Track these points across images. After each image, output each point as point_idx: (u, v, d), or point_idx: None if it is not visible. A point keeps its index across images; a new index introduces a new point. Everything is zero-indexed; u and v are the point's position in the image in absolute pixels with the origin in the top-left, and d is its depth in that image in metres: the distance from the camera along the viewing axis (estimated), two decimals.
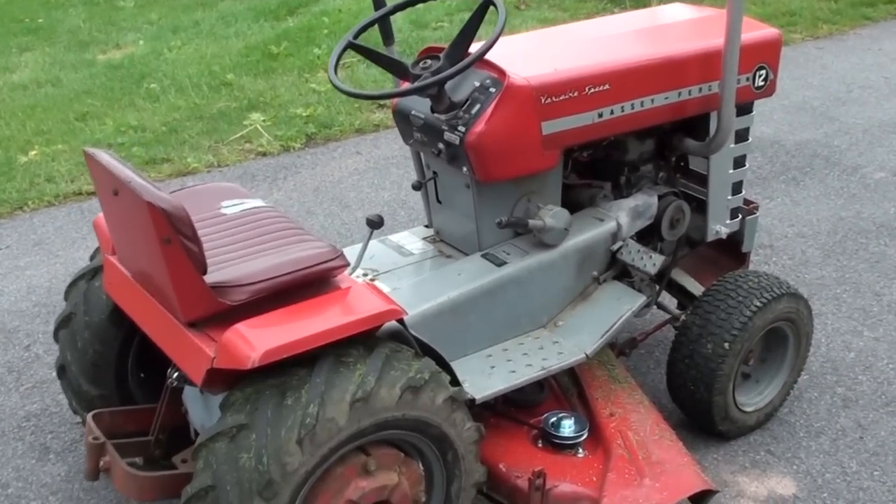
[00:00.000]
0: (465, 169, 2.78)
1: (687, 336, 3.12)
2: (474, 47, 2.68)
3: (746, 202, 3.53)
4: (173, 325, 2.30)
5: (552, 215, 2.84)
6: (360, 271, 2.89)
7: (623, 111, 2.90)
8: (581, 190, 3.19)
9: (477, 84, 2.74)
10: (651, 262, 2.98)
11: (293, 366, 2.14)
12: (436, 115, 2.78)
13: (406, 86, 2.76)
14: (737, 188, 3.42)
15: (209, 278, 2.22)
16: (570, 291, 3.04)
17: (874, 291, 4.12)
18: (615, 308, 2.99)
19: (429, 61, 2.69)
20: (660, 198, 3.17)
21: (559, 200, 3.05)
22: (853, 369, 3.63)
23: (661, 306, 3.32)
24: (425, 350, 2.40)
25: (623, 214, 3.08)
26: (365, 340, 2.23)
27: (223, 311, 2.22)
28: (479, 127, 2.65)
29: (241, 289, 2.24)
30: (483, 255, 2.89)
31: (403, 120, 2.94)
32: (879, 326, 3.88)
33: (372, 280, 2.85)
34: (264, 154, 5.79)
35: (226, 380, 2.17)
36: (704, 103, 3.10)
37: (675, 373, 3.17)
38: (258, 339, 2.09)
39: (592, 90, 2.81)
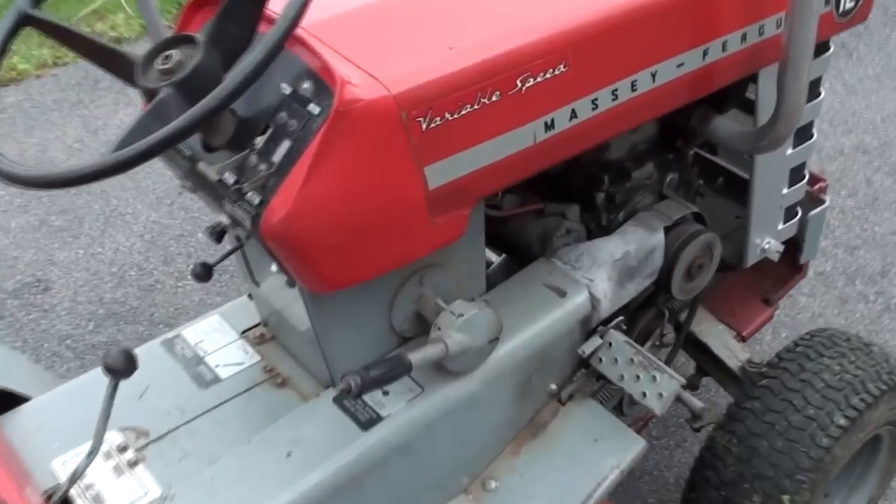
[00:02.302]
0: (273, 267, 1.44)
1: (716, 469, 1.86)
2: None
3: (811, 182, 2.20)
4: None
5: (463, 326, 1.51)
6: (112, 442, 1.58)
7: (595, 108, 1.53)
8: (525, 222, 1.85)
9: (286, 90, 1.36)
10: (658, 385, 1.68)
11: None
12: (211, 152, 1.41)
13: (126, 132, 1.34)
14: (797, 174, 2.08)
15: None
16: (507, 426, 1.76)
17: None
18: (589, 460, 1.72)
19: (175, 53, 1.29)
20: (669, 229, 1.83)
21: (480, 269, 1.72)
22: None
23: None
24: None
25: (601, 274, 1.75)
26: None
27: None
28: (288, 197, 1.29)
29: None
30: (338, 402, 1.59)
31: None
32: None
33: (130, 464, 1.55)
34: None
35: None
36: (747, 61, 1.72)
37: None
38: None
39: (532, 81, 1.42)
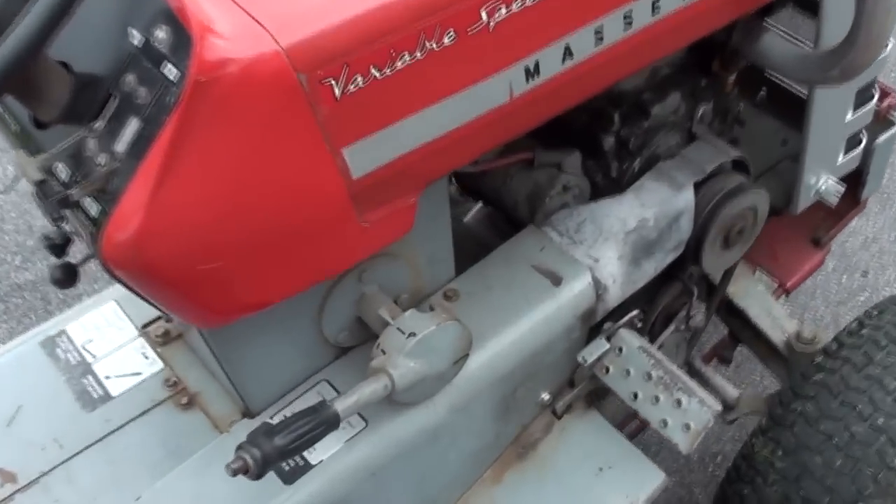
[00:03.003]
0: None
1: (755, 486, 1.49)
2: None
3: (879, 98, 1.74)
4: None
5: (416, 350, 1.10)
6: None
7: (600, 41, 1.08)
8: (508, 176, 1.42)
9: (135, 39, 0.91)
10: (684, 412, 1.28)
11: None
12: (42, 129, 0.98)
13: None
14: (866, 93, 1.63)
15: None
16: (485, 451, 1.38)
17: None
18: (592, 497, 1.34)
19: None
20: (700, 184, 1.40)
21: (446, 252, 1.30)
22: None
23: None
24: None
25: (609, 250, 1.33)
26: None
27: None
28: (137, 206, 0.87)
29: None
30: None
31: None
32: None
33: None
34: None
35: None
36: None
37: None
38: None
39: (504, 10, 0.98)
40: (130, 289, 0.94)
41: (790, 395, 1.48)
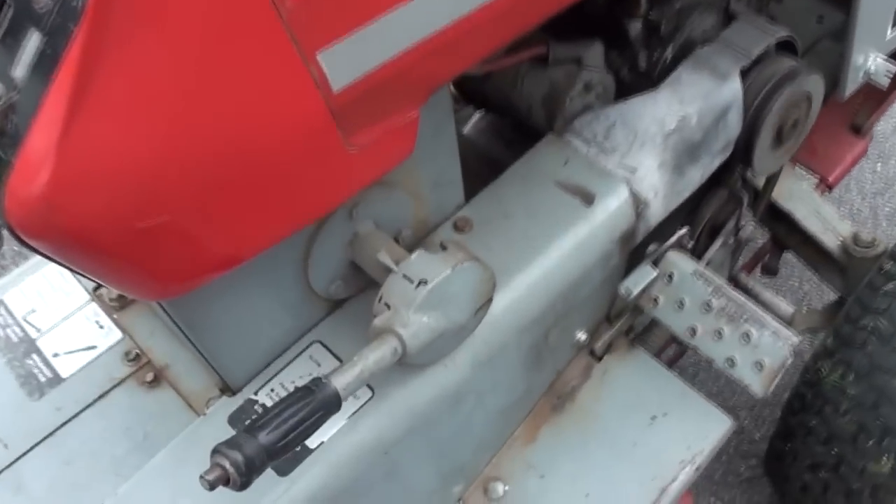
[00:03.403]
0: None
1: (824, 416, 1.29)
2: None
3: None
4: None
5: (428, 301, 0.88)
6: None
7: None
8: (519, 77, 1.19)
9: None
10: (754, 348, 1.07)
11: None
12: None
13: None
14: None
15: None
16: (515, 408, 1.17)
17: None
18: (647, 450, 1.14)
19: None
20: (746, 71, 1.17)
21: (454, 173, 1.08)
22: None
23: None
24: None
25: (647, 157, 1.11)
26: None
27: None
28: (46, 151, 0.64)
29: None
30: (233, 422, 0.99)
31: None
32: None
33: None
34: None
35: None
36: None
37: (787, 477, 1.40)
38: None
39: None
40: (53, 260, 0.72)
41: (858, 309, 1.28)
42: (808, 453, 1.32)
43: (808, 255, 1.54)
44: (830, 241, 1.49)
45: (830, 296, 2.05)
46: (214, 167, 0.69)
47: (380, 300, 0.90)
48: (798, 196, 1.54)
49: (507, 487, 1.15)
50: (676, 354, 1.51)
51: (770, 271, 1.64)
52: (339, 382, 0.82)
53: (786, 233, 1.55)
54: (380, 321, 0.89)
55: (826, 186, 1.70)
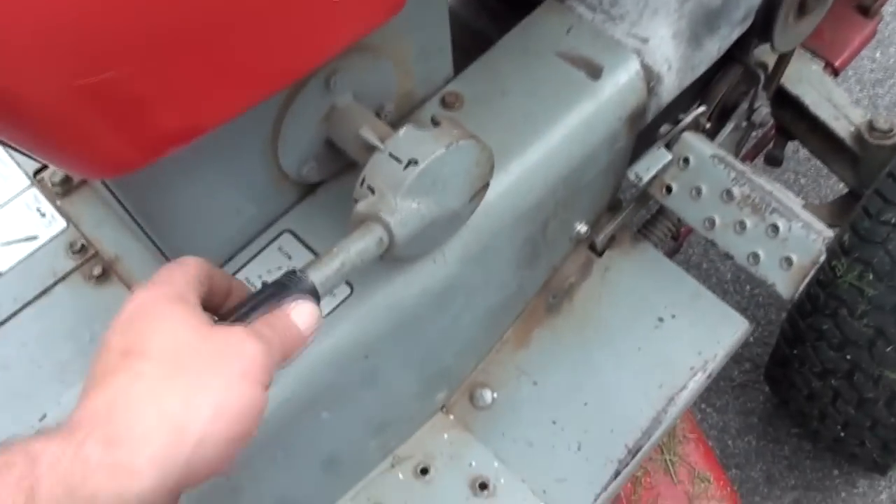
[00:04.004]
0: None
1: (838, 320, 1.20)
2: None
3: None
4: None
5: (417, 184, 0.77)
6: None
7: None
8: None
9: None
10: (782, 242, 0.97)
11: None
12: None
13: None
14: None
15: None
16: (505, 308, 1.07)
17: None
18: (654, 357, 1.04)
19: None
20: None
21: (443, 38, 0.95)
22: None
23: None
24: None
25: (660, 26, 0.99)
26: None
27: None
28: None
29: None
30: None
31: None
32: None
33: None
34: None
35: None
36: None
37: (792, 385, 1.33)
38: None
39: None
40: None
41: (879, 201, 1.18)
42: (818, 359, 1.23)
43: (817, 145, 1.44)
44: (842, 129, 1.38)
45: (827, 191, 1.97)
46: (166, 9, 0.56)
47: (362, 183, 0.78)
48: (807, 80, 1.42)
49: (495, 395, 1.06)
50: (671, 250, 1.41)
51: (774, 161, 1.53)
52: (317, 277, 0.70)
53: (792, 120, 1.44)
54: (363, 206, 0.77)
55: (833, 71, 1.59)
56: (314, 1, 0.63)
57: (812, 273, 0.97)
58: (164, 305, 0.59)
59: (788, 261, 0.98)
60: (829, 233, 0.98)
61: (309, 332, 0.65)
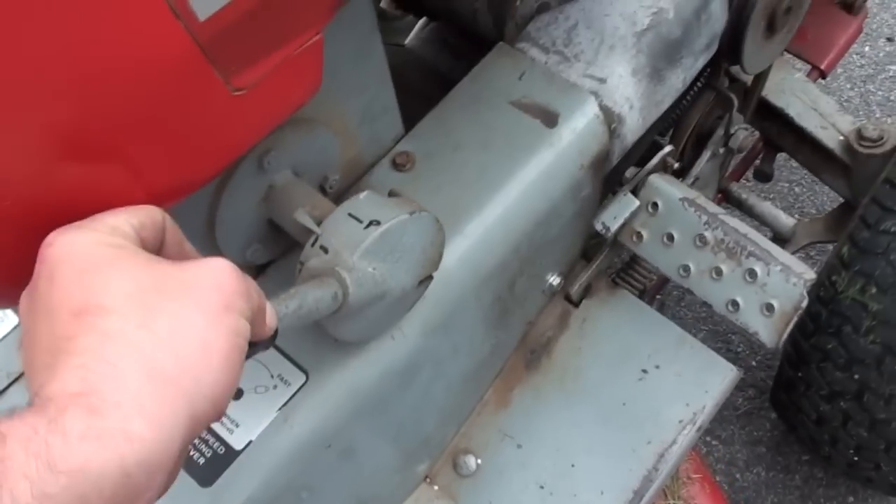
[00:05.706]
0: None
1: (842, 338, 1.17)
2: None
3: None
4: None
5: (373, 249, 0.73)
6: None
7: None
8: None
9: None
10: (760, 288, 0.93)
11: None
12: None
13: None
14: None
15: None
16: (481, 371, 1.03)
17: None
18: (640, 411, 1.01)
19: None
20: None
21: (388, 98, 0.91)
22: None
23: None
24: None
25: (618, 63, 0.95)
26: None
27: None
28: None
29: None
30: None
31: None
32: None
33: None
34: None
35: None
36: None
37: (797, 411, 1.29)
38: None
39: None
40: None
41: (877, 210, 1.14)
42: (825, 381, 1.19)
43: (806, 157, 1.40)
44: (831, 140, 1.34)
45: (824, 198, 1.92)
46: (57, 126, 0.53)
47: (314, 244, 0.75)
48: (791, 89, 1.39)
49: (479, 461, 1.02)
50: (655, 287, 1.38)
51: (763, 177, 1.49)
52: (278, 309, 0.66)
53: (779, 132, 1.41)
54: (316, 262, 0.73)
55: (819, 74, 1.55)
56: (218, 101, 0.60)
57: (796, 319, 0.94)
58: (104, 250, 0.52)
59: (769, 307, 0.94)
60: (811, 275, 0.94)
61: (273, 326, 0.61)
